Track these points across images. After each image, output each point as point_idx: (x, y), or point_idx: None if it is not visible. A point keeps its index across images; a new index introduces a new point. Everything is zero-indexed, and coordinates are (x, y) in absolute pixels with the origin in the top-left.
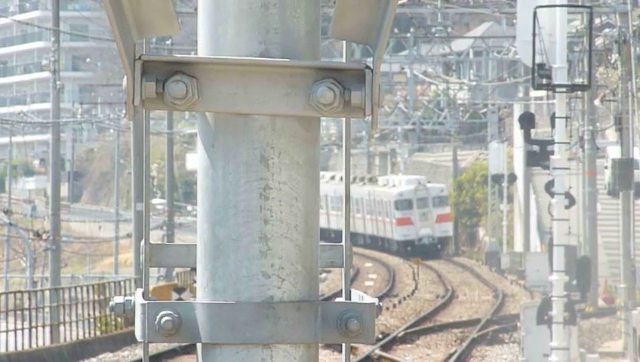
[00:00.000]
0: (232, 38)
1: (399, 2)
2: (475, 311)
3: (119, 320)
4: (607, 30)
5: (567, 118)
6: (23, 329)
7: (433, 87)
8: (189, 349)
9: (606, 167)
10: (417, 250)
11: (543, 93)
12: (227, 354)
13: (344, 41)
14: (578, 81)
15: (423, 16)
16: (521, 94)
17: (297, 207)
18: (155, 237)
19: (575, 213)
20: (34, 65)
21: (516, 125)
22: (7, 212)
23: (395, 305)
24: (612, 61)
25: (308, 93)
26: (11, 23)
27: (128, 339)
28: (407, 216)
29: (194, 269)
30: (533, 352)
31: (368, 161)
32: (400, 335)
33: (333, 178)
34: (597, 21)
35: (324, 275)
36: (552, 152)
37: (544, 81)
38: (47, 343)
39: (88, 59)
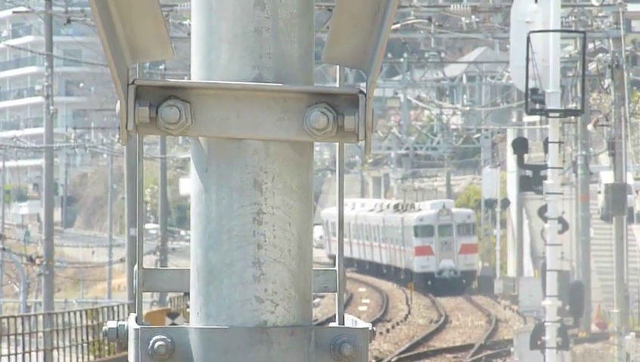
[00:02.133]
0: (226, 62)
1: (392, 27)
2: (469, 336)
3: (112, 345)
4: (600, 55)
5: (560, 143)
6: (16, 354)
7: (426, 112)
8: None
9: (599, 192)
10: (438, 285)
11: (536, 118)
12: None
13: (338, 66)
14: (571, 106)
15: (417, 41)
16: (514, 119)
17: (291, 231)
18: (149, 262)
19: (568, 238)
20: (27, 90)
21: (509, 150)
22: (0, 237)
23: (388, 330)
24: (605, 86)
25: (301, 117)
26: (4, 48)
27: None
28: (427, 244)
29: (187, 294)
30: None
31: (362, 186)
32: (393, 360)
33: (363, 205)
34: (590, 46)
35: (317, 300)
36: (545, 177)
37: (537, 106)
38: None
39: (82, 84)
